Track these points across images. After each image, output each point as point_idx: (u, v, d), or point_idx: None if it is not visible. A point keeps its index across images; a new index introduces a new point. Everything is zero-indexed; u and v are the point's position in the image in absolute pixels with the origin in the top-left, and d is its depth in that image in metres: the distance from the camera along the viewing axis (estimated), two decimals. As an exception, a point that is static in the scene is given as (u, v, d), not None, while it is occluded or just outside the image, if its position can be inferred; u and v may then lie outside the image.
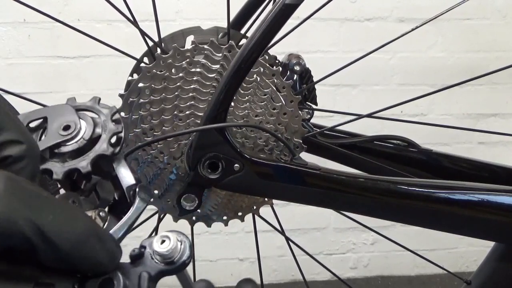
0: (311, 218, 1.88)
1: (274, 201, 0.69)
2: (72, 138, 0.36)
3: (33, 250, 0.27)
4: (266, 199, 0.68)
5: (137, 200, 0.37)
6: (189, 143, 0.60)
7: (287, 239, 0.81)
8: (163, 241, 0.32)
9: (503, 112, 1.86)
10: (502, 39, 1.75)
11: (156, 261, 0.32)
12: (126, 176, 0.38)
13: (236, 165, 0.58)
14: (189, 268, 0.88)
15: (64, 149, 0.36)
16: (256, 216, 0.72)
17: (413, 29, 0.71)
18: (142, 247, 0.33)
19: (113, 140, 0.37)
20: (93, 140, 0.37)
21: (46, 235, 0.27)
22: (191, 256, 0.33)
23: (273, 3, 0.62)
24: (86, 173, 0.36)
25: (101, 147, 0.36)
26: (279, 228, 0.78)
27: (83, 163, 0.36)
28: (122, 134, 0.38)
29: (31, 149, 0.31)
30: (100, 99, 0.41)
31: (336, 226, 1.93)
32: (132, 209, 0.36)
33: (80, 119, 0.37)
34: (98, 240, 0.29)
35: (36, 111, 0.39)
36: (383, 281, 2.01)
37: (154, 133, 0.61)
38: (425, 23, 0.73)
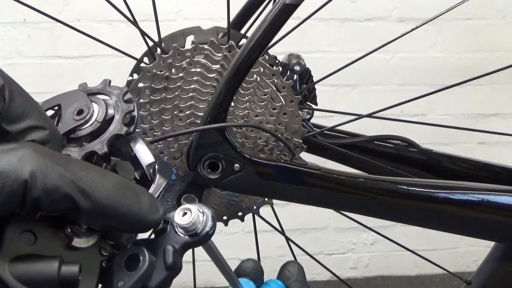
0: (311, 218, 1.88)
1: (274, 201, 0.69)
2: (86, 122, 0.36)
3: (73, 208, 0.27)
4: (266, 199, 0.68)
5: (157, 177, 0.37)
6: (189, 143, 0.60)
7: (287, 239, 0.81)
8: (184, 214, 0.33)
9: (503, 112, 1.86)
10: (502, 39, 1.76)
11: (180, 234, 0.32)
12: (144, 155, 0.38)
13: (236, 165, 0.58)
14: (189, 269, 0.88)
15: (80, 133, 0.36)
16: (256, 216, 0.72)
17: (413, 29, 0.71)
18: (165, 221, 0.33)
19: (127, 119, 0.37)
20: (107, 121, 0.37)
21: (83, 189, 0.27)
22: (215, 227, 0.33)
23: (273, 3, 0.62)
24: (103, 154, 0.36)
25: (115, 127, 0.36)
26: (279, 228, 0.78)
27: (99, 145, 0.36)
28: (135, 113, 0.38)
29: (53, 134, 0.32)
30: (110, 81, 0.41)
31: (336, 226, 1.93)
32: (152, 186, 0.36)
33: (93, 103, 0.38)
34: (132, 190, 0.30)
35: (49, 100, 0.39)
36: (383, 281, 2.01)
37: (154, 133, 0.61)
38: (425, 23, 0.73)
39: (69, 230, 0.30)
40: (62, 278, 0.27)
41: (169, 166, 0.37)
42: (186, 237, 0.32)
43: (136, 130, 0.39)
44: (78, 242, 0.30)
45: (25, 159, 0.26)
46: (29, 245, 0.28)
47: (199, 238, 0.32)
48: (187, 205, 0.33)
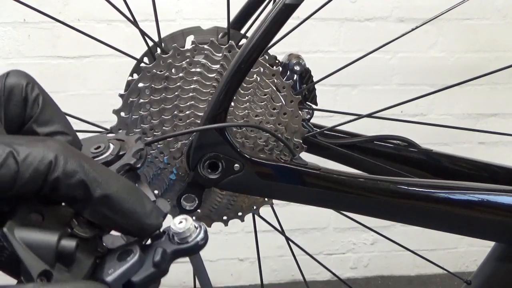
0: (311, 218, 1.88)
1: (274, 201, 0.69)
2: (102, 154, 0.39)
3: (85, 195, 0.30)
4: (266, 199, 0.68)
5: None
6: (189, 143, 0.60)
7: (287, 239, 0.81)
8: (180, 222, 0.34)
9: (503, 112, 1.86)
10: (502, 39, 1.75)
11: (173, 242, 0.34)
12: (146, 193, 0.41)
13: (236, 165, 0.58)
14: (189, 269, 0.88)
15: None
16: (256, 216, 0.72)
17: (413, 29, 0.71)
18: (163, 231, 0.35)
19: (137, 156, 0.40)
20: (120, 156, 0.40)
21: (97, 179, 0.31)
22: (206, 240, 0.34)
23: (273, 3, 0.62)
24: None
25: (126, 158, 0.40)
26: (279, 228, 0.78)
27: None
28: (145, 152, 0.41)
29: (75, 140, 0.36)
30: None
31: (336, 226, 1.93)
32: None
33: (109, 142, 0.41)
34: (138, 194, 0.33)
35: None
36: (383, 281, 2.01)
37: (154, 133, 0.61)
38: (425, 23, 0.73)
39: (74, 220, 0.32)
40: (60, 249, 0.30)
41: (167, 204, 0.38)
42: (178, 244, 0.34)
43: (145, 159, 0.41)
44: (79, 231, 0.32)
45: (51, 146, 0.30)
46: (36, 223, 0.31)
47: (190, 246, 0.34)
48: (185, 216, 0.35)
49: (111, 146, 0.40)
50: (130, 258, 0.32)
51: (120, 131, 0.45)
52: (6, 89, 0.33)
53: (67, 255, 0.30)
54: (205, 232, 0.34)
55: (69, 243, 0.30)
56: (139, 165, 0.40)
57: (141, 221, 0.33)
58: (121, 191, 0.32)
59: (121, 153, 0.40)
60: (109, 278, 0.31)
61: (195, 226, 0.34)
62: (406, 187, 0.60)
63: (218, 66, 0.60)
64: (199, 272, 0.39)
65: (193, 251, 0.34)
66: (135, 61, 0.68)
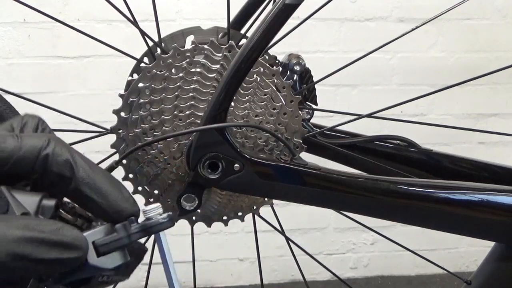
0: (311, 218, 1.88)
1: (274, 201, 0.69)
2: None
3: (69, 174, 0.35)
4: (266, 199, 0.68)
5: None
6: (189, 143, 0.60)
7: (287, 239, 0.81)
8: (150, 205, 0.38)
9: (503, 112, 1.86)
10: (502, 39, 1.75)
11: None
12: None
13: (236, 165, 0.58)
14: (189, 269, 0.88)
15: None
16: (256, 216, 0.72)
17: (413, 29, 0.71)
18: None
19: None
20: None
21: (81, 163, 0.36)
22: (168, 223, 0.38)
23: (273, 3, 0.62)
24: None
25: None
26: (279, 228, 0.78)
27: None
28: None
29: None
30: None
31: (336, 226, 1.93)
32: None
33: None
34: (117, 182, 0.38)
35: None
36: (383, 281, 2.01)
37: (154, 133, 0.61)
38: (425, 23, 0.73)
39: (59, 206, 0.37)
40: (42, 205, 0.35)
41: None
42: (144, 221, 0.38)
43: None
44: (64, 213, 0.37)
45: (44, 135, 0.36)
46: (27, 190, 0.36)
47: (152, 222, 0.37)
48: (158, 204, 0.39)
49: None
50: (98, 225, 0.37)
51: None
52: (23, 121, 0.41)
53: (48, 211, 0.35)
54: (170, 217, 0.38)
55: (49, 202, 0.35)
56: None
57: (118, 202, 0.37)
58: (102, 175, 0.37)
59: None
60: None
61: (162, 213, 0.38)
62: (406, 187, 0.60)
63: (218, 66, 0.60)
64: (162, 257, 0.43)
65: (154, 228, 0.38)
66: (135, 61, 0.68)
